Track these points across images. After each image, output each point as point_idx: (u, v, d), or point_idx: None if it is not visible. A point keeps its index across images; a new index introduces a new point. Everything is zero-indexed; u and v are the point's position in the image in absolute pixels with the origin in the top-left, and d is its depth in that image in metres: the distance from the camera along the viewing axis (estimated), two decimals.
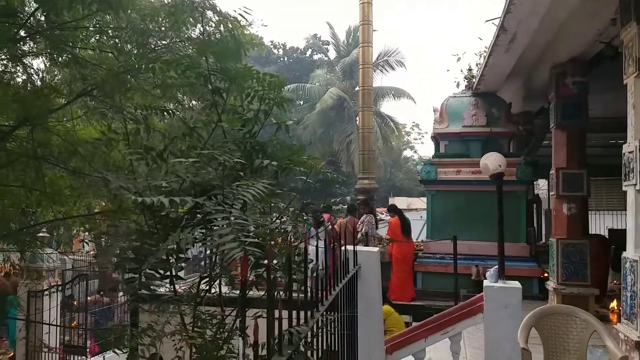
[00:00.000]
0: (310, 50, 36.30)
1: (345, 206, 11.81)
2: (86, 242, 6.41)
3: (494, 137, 9.47)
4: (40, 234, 8.34)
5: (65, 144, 4.54)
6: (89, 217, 5.35)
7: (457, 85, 10.45)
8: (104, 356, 9.16)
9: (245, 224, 1.80)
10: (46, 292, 9.18)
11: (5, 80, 4.62)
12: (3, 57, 4.59)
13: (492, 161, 5.72)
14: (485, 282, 4.38)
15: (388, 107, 39.68)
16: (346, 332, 3.27)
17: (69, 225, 7.82)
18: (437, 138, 10.19)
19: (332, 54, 32.67)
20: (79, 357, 9.88)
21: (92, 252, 15.86)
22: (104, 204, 5.27)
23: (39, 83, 4.85)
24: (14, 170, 4.80)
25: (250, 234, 1.76)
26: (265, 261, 1.86)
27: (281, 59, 36.86)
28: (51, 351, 9.07)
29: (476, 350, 5.45)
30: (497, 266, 4.54)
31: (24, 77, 4.92)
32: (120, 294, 13.41)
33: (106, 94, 4.45)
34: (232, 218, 1.93)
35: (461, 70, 10.47)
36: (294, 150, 2.52)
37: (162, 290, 2.84)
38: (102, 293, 13.87)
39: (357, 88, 19.77)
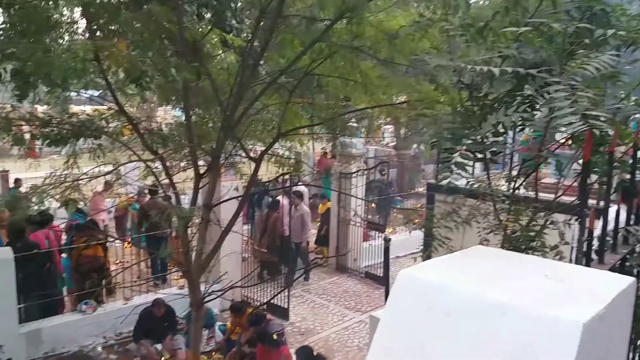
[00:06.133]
0: None
1: None
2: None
3: None
4: (349, 124, 9.25)
5: (377, 35, 4.74)
6: (395, 106, 5.64)
7: None
8: (410, 232, 10.17)
9: (589, 97, 1.55)
10: (354, 175, 10.40)
11: None
12: None
13: None
14: None
15: None
16: None
17: (374, 116, 8.45)
18: None
19: None
20: (378, 233, 11.16)
21: (391, 144, 17.16)
22: (408, 93, 5.44)
23: None
24: (333, 61, 5.32)
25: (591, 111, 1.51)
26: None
27: None
28: (357, 224, 10.45)
29: None
30: None
31: None
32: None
33: None
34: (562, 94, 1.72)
35: None
36: None
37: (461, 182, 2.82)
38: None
39: None
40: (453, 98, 2.77)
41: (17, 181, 10.63)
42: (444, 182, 2.25)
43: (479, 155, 2.34)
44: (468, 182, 2.34)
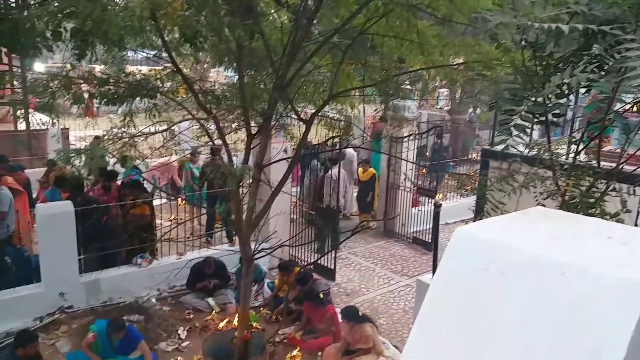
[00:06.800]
0: None
1: None
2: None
3: None
4: (403, 86, 9.03)
5: None
6: (452, 67, 5.46)
7: None
8: (461, 197, 10.00)
9: None
10: (405, 139, 10.25)
11: None
12: None
13: None
14: None
15: None
16: None
17: (429, 78, 8.21)
18: None
19: None
20: (428, 198, 11.02)
21: (445, 107, 16.73)
22: (466, 54, 5.25)
23: None
24: (388, 20, 5.17)
25: None
26: None
27: None
28: (407, 189, 10.37)
29: None
30: None
31: None
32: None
33: None
34: None
35: None
36: None
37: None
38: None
39: None
40: (514, 58, 2.65)
41: (97, 138, 10.96)
42: (501, 146, 2.19)
43: (540, 118, 2.25)
44: (527, 145, 2.26)
